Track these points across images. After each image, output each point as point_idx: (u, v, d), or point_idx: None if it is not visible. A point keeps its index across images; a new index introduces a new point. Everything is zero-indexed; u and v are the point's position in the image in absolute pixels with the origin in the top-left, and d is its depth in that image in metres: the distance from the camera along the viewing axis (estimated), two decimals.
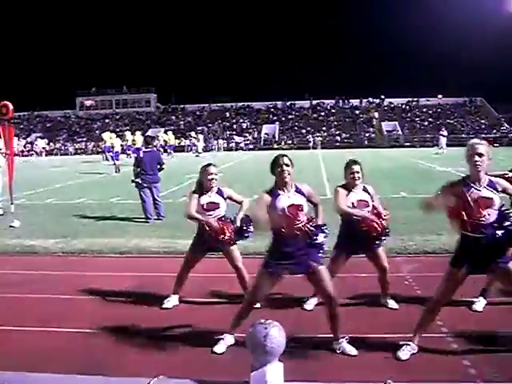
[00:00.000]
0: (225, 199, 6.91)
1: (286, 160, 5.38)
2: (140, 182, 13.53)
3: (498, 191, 5.08)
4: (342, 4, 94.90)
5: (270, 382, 1.44)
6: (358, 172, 6.61)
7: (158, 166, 13.82)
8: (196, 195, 6.83)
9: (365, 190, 6.68)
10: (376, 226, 6.30)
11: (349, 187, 6.63)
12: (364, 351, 5.44)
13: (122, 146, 37.55)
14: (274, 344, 1.46)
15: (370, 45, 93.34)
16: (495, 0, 56.47)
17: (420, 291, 7.28)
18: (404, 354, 5.26)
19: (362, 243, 6.53)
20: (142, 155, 13.92)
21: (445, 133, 46.61)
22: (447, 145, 44.99)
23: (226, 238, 6.60)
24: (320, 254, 5.47)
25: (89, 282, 8.06)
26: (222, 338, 5.63)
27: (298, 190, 5.46)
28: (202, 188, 6.88)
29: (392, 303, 6.82)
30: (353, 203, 6.53)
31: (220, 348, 5.55)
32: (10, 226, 12.82)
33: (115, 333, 6.08)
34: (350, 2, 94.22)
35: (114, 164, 29.31)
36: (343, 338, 5.52)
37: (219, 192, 6.90)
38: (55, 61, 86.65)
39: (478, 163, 5.01)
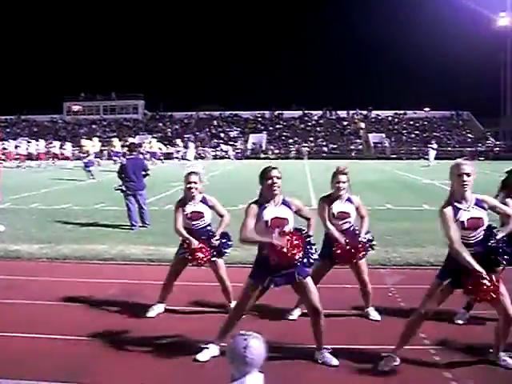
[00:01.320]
0: (210, 207, 6.89)
1: (276, 173, 5.38)
2: (123, 189, 13.49)
3: (485, 209, 5.13)
4: (331, 16, 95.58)
5: None
6: (343, 182, 6.63)
7: (143, 173, 13.78)
8: (180, 208, 6.83)
9: (349, 200, 6.69)
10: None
11: (333, 197, 6.67)
12: (346, 362, 5.46)
13: (108, 152, 37.74)
14: (253, 355, 1.47)
15: (358, 56, 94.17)
16: (484, 16, 57.10)
17: (403, 303, 7.30)
18: (386, 366, 5.27)
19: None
20: (125, 162, 13.87)
21: (434, 146, 46.90)
22: (436, 158, 45.23)
23: (200, 261, 6.64)
24: (307, 269, 5.50)
25: (72, 289, 8.01)
26: (207, 347, 5.58)
27: (286, 203, 5.45)
28: (186, 197, 6.89)
29: (374, 314, 6.84)
30: (334, 214, 6.61)
31: (203, 356, 5.50)
32: None
33: (97, 340, 6.05)
34: (339, 14, 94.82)
35: (89, 171, 28.61)
36: (325, 348, 5.52)
37: (203, 200, 6.89)
38: (43, 65, 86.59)
39: (465, 183, 5.06)
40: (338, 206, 6.62)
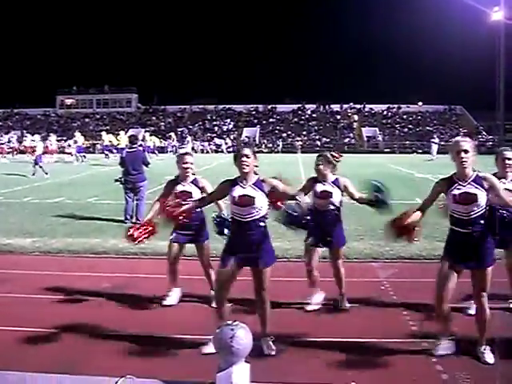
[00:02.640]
0: (200, 189, 6.92)
1: (246, 151, 5.44)
2: (123, 181, 13.50)
3: (483, 188, 5.10)
4: (326, 10, 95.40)
5: (235, 382, 1.45)
6: (321, 164, 6.77)
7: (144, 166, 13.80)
8: (170, 185, 6.95)
9: (335, 182, 6.77)
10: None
11: (318, 178, 6.83)
12: (336, 354, 5.47)
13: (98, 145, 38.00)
14: (240, 345, 1.48)
15: (352, 51, 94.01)
16: (477, 9, 57.07)
17: (396, 296, 7.33)
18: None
19: (326, 235, 6.74)
20: (124, 155, 13.86)
21: (436, 140, 46.85)
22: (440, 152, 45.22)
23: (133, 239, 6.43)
24: (272, 259, 5.57)
25: (66, 282, 8.01)
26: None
27: (258, 184, 5.45)
28: (179, 177, 6.97)
29: (344, 304, 6.92)
30: (316, 193, 6.77)
31: (209, 349, 5.38)
32: None
33: (90, 333, 6.05)
34: (333, 8, 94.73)
35: (37, 166, 27.40)
36: (270, 337, 5.59)
37: (194, 182, 6.97)
38: (36, 58, 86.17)
39: (463, 160, 5.06)
40: (321, 186, 6.75)
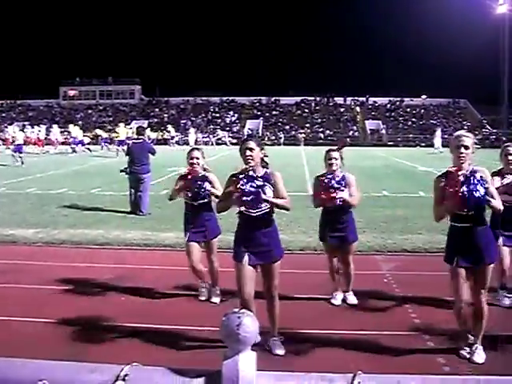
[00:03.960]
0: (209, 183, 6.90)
1: (250, 144, 5.31)
2: (128, 172, 13.56)
3: (482, 181, 4.96)
4: (329, 3, 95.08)
5: (242, 370, 1.45)
6: (336, 158, 6.67)
7: (150, 155, 13.90)
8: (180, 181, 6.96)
9: (343, 178, 6.66)
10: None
11: (326, 174, 6.70)
12: (339, 346, 5.48)
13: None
14: (246, 333, 1.48)
15: (355, 43, 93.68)
16: (482, 2, 56.91)
17: (398, 289, 7.34)
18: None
19: (340, 232, 6.71)
20: (130, 145, 13.95)
21: (438, 133, 46.64)
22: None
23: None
24: (282, 252, 5.53)
25: (68, 273, 8.03)
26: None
27: (265, 177, 5.34)
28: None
29: (352, 299, 6.90)
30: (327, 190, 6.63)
31: None
32: None
33: (93, 324, 6.07)
34: (336, 1, 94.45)
35: (16, 155, 28.12)
36: (279, 337, 5.53)
37: (203, 176, 6.93)
38: (39, 49, 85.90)
39: (462, 155, 4.97)
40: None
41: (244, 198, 5.12)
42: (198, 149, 7.14)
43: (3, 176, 19.99)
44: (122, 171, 13.94)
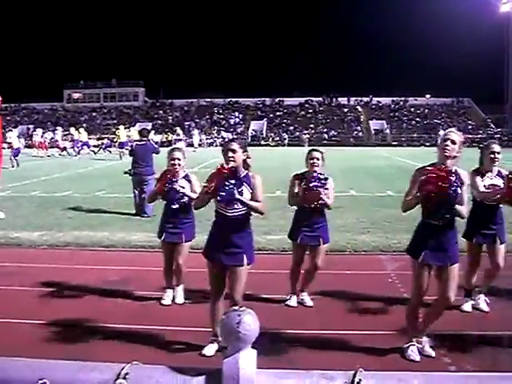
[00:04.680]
0: (190, 183, 6.88)
1: (231, 146, 5.28)
2: (132, 173, 13.58)
3: (462, 183, 4.94)
4: (332, 3, 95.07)
5: (242, 368, 1.45)
6: (318, 159, 6.66)
7: (154, 156, 13.93)
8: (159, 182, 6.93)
9: (325, 178, 6.60)
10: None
11: (306, 174, 6.69)
12: (342, 346, 5.48)
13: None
14: (247, 331, 1.48)
15: (358, 43, 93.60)
16: (485, 2, 56.84)
17: (403, 289, 7.32)
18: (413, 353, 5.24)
19: (314, 232, 6.67)
20: (134, 147, 14.00)
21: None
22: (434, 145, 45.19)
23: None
24: (252, 258, 5.45)
25: (73, 275, 8.04)
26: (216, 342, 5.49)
27: (245, 179, 5.31)
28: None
29: (307, 300, 6.87)
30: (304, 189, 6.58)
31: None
32: None
33: (98, 326, 6.08)
34: (339, 2, 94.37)
35: (13, 159, 28.69)
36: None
37: (186, 177, 6.92)
38: (43, 53, 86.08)
39: (447, 148, 4.92)
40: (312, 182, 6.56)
41: (219, 193, 5.05)
42: (179, 149, 7.12)
43: (8, 179, 20.02)
44: (125, 173, 13.98)
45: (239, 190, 5.13)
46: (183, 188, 6.68)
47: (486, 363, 5.05)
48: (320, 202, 6.47)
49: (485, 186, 6.29)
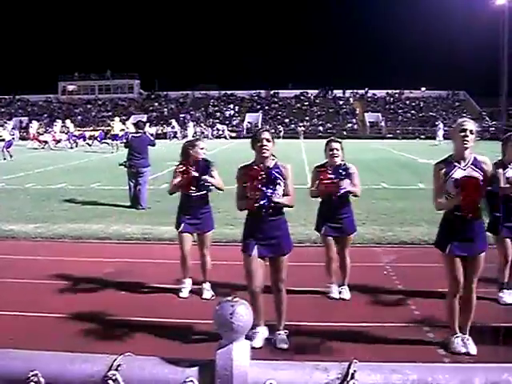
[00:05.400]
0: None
1: (266, 135, 5.24)
2: (127, 165, 13.56)
3: (483, 171, 4.94)
4: None
5: (235, 360, 1.44)
6: (337, 149, 6.62)
7: (150, 148, 13.93)
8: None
9: (345, 169, 6.56)
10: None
11: (328, 165, 6.64)
12: (338, 338, 5.48)
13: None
14: (240, 322, 1.47)
15: (354, 36, 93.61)
16: None
17: (398, 281, 7.35)
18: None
19: (339, 224, 6.68)
20: (130, 139, 13.98)
21: (441, 125, 46.82)
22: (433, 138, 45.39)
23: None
24: (291, 245, 5.50)
25: (68, 268, 8.02)
26: (257, 331, 5.39)
27: (278, 171, 5.24)
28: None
29: (345, 293, 6.86)
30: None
31: (258, 342, 5.33)
32: None
33: (92, 318, 6.06)
34: None
35: (5, 151, 29.46)
36: (285, 331, 5.49)
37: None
38: (38, 44, 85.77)
39: (466, 139, 4.89)
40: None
41: (259, 201, 5.08)
42: (202, 140, 7.18)
43: (2, 171, 20.00)
44: (120, 164, 13.99)
45: (275, 190, 5.13)
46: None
47: (482, 356, 5.06)
48: (340, 192, 6.46)
49: (508, 178, 6.23)
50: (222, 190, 6.84)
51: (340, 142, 6.77)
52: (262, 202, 5.07)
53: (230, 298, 1.53)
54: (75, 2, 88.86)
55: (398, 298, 6.72)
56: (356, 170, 6.71)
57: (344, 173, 6.47)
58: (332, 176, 6.39)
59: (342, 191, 6.46)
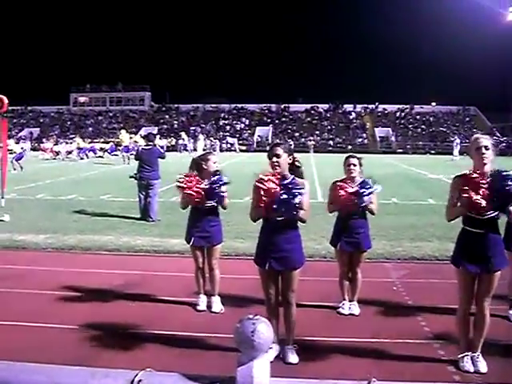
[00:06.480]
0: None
1: (277, 150, 5.25)
2: (137, 177, 13.61)
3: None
4: (337, 10, 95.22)
5: (256, 377, 1.45)
6: (354, 165, 6.65)
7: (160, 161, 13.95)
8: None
9: (363, 184, 6.55)
10: None
11: (345, 180, 6.64)
12: (349, 354, 5.46)
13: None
14: (261, 339, 1.48)
15: (365, 51, 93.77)
16: (492, 9, 56.75)
17: (408, 297, 7.31)
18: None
19: (355, 239, 6.65)
20: (140, 151, 14.05)
21: (458, 140, 46.41)
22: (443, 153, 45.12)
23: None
24: (303, 259, 5.50)
25: (77, 279, 8.04)
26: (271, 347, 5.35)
27: (294, 186, 5.16)
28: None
29: (355, 309, 6.81)
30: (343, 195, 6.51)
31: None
32: (0, 221, 12.76)
33: (102, 330, 6.07)
34: (345, 7, 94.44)
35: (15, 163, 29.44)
36: (294, 345, 5.47)
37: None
38: (50, 56, 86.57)
39: (484, 155, 4.89)
40: (350, 188, 6.49)
41: (277, 207, 5.06)
42: (213, 154, 7.21)
43: (14, 182, 20.07)
44: (131, 177, 14.05)
45: (295, 197, 5.08)
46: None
47: (492, 373, 5.02)
48: (360, 208, 6.48)
49: None
50: (224, 207, 6.80)
51: (359, 158, 6.81)
52: (278, 207, 5.04)
53: (251, 316, 1.54)
54: (88, 14, 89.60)
55: (407, 314, 6.68)
56: (379, 188, 6.69)
57: (367, 191, 6.45)
58: (353, 191, 6.40)
59: (362, 206, 6.46)
